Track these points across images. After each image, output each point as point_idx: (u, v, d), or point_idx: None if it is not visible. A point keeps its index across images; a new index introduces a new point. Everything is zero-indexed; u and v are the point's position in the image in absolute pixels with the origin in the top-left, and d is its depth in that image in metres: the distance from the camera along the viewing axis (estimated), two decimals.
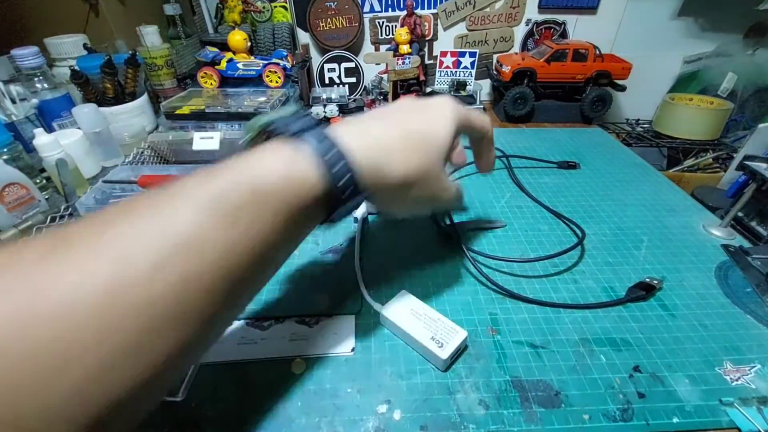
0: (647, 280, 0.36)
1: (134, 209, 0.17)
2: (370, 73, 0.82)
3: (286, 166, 0.20)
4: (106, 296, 0.15)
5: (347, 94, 0.79)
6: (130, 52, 0.61)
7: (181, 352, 0.17)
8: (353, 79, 0.83)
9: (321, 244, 0.42)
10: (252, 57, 0.69)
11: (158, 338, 0.16)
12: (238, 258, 0.18)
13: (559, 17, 0.80)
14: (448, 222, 0.41)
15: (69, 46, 0.64)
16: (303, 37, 0.80)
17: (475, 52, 0.76)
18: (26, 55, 0.53)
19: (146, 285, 0.15)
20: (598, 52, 0.70)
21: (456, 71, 0.78)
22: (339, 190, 0.22)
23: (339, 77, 0.83)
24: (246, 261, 0.19)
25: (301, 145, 0.21)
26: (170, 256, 0.16)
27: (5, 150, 0.47)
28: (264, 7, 0.80)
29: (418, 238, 0.43)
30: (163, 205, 0.17)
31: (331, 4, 0.76)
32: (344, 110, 0.73)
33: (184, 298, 0.16)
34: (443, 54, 0.77)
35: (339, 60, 0.81)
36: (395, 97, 0.77)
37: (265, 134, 0.24)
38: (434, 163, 0.26)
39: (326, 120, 0.70)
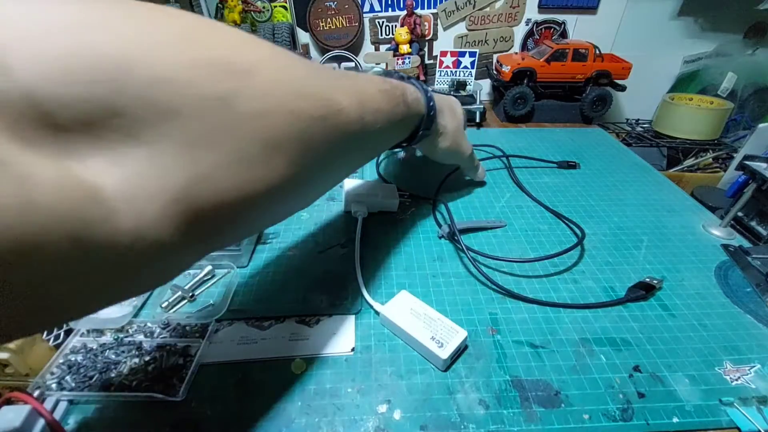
0: (647, 279, 0.36)
1: (356, 74, 0.29)
2: None
3: (413, 91, 0.35)
4: (358, 107, 0.24)
5: None
6: None
7: (333, 170, 0.26)
8: None
9: (320, 243, 0.42)
10: None
11: (345, 151, 0.25)
12: (384, 129, 0.29)
13: (559, 17, 0.80)
14: (448, 221, 0.41)
15: None
16: (303, 36, 0.80)
17: (475, 52, 0.76)
18: None
19: (369, 114, 0.26)
20: (598, 51, 0.70)
21: (456, 71, 0.78)
22: (428, 115, 0.37)
23: None
24: (380, 134, 0.29)
25: (416, 85, 0.37)
26: (375, 104, 0.27)
27: None
28: (264, 7, 0.80)
29: (418, 238, 0.43)
30: (370, 80, 0.29)
31: (331, 3, 0.76)
32: None
33: (371, 131, 0.27)
34: (443, 54, 0.77)
35: (339, 60, 0.81)
36: None
37: (386, 74, 0.39)
38: (460, 125, 0.44)
39: None
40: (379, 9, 0.78)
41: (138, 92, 0.13)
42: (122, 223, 0.13)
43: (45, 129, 0.12)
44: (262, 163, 0.17)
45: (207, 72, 0.15)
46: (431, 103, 0.37)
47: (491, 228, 0.44)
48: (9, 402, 0.24)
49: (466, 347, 0.31)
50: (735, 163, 0.64)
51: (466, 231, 0.43)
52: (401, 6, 0.77)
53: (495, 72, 0.77)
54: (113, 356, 0.30)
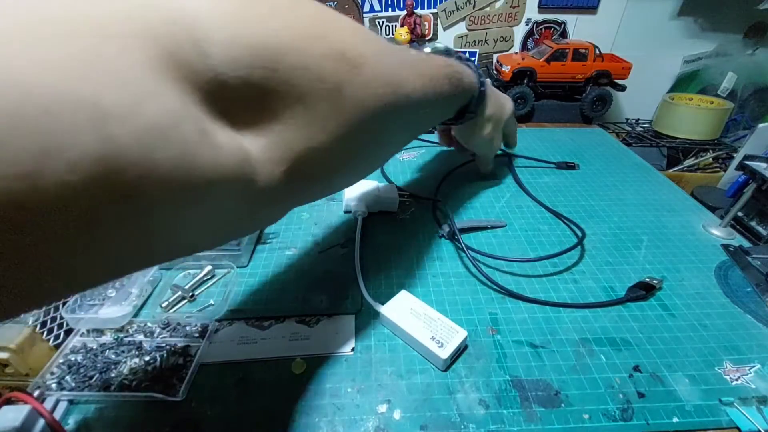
0: (647, 279, 0.36)
1: (425, 56, 0.31)
2: None
3: (470, 74, 0.37)
4: (422, 90, 0.27)
5: None
6: None
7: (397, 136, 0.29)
8: None
9: (320, 243, 0.42)
10: None
11: (405, 127, 0.29)
12: (439, 109, 0.35)
13: (559, 17, 0.80)
14: (448, 222, 0.41)
15: None
16: None
17: (475, 52, 0.76)
18: None
19: (431, 96, 0.29)
20: (598, 51, 0.70)
21: None
22: (476, 97, 0.39)
23: None
24: (434, 112, 0.34)
25: (471, 68, 0.39)
26: (438, 87, 0.30)
27: None
28: None
29: (418, 238, 0.43)
30: (436, 64, 0.31)
31: (331, 3, 0.76)
32: None
33: (428, 110, 0.30)
34: None
35: None
36: None
37: (443, 52, 0.39)
38: (501, 119, 0.47)
39: None
40: (379, 9, 0.78)
41: (285, 77, 0.16)
42: (259, 181, 0.17)
43: (220, 105, 0.15)
44: (352, 138, 0.21)
45: (332, 62, 0.18)
46: (482, 88, 0.40)
47: (491, 228, 0.44)
48: (9, 402, 0.24)
49: (466, 347, 0.31)
50: (735, 163, 0.64)
51: (466, 230, 0.43)
52: (401, 6, 0.77)
53: (495, 72, 0.77)
54: (113, 356, 0.30)
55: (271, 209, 0.21)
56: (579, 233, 0.42)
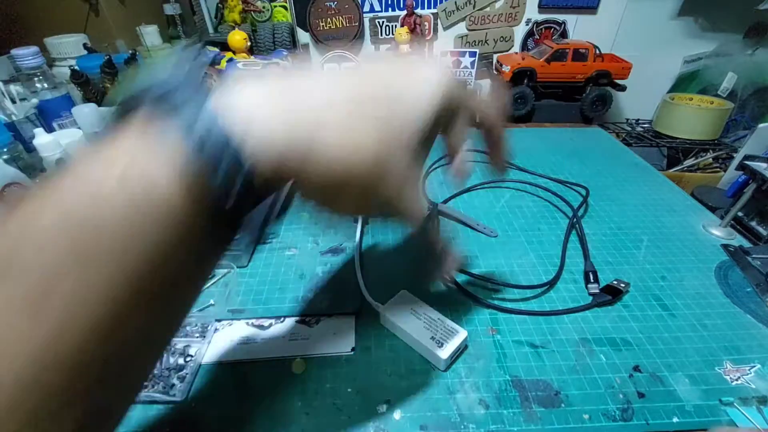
0: (614, 283, 0.36)
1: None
2: None
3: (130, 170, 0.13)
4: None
5: None
6: (130, 52, 0.61)
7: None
8: None
9: (321, 243, 0.42)
10: (252, 57, 0.69)
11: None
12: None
13: (559, 17, 0.80)
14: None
15: (69, 46, 0.64)
16: (303, 36, 0.80)
17: (475, 52, 0.76)
18: (26, 55, 0.53)
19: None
20: (598, 51, 0.70)
21: (456, 71, 0.78)
22: (216, 190, 0.14)
23: None
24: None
25: (164, 126, 0.14)
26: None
27: (5, 150, 0.47)
28: (264, 7, 0.80)
29: (418, 238, 0.43)
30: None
31: (331, 3, 0.76)
32: None
33: None
34: (443, 54, 0.77)
35: (339, 60, 0.81)
36: None
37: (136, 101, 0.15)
38: (395, 139, 0.17)
39: None
40: (379, 9, 0.78)
41: None
42: None
43: None
44: None
45: None
46: (233, 163, 0.14)
47: (481, 232, 0.44)
48: None
49: (466, 347, 0.31)
50: (735, 163, 0.64)
51: (456, 220, 0.43)
52: (401, 6, 0.77)
53: (495, 72, 0.77)
54: None
55: None
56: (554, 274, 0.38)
